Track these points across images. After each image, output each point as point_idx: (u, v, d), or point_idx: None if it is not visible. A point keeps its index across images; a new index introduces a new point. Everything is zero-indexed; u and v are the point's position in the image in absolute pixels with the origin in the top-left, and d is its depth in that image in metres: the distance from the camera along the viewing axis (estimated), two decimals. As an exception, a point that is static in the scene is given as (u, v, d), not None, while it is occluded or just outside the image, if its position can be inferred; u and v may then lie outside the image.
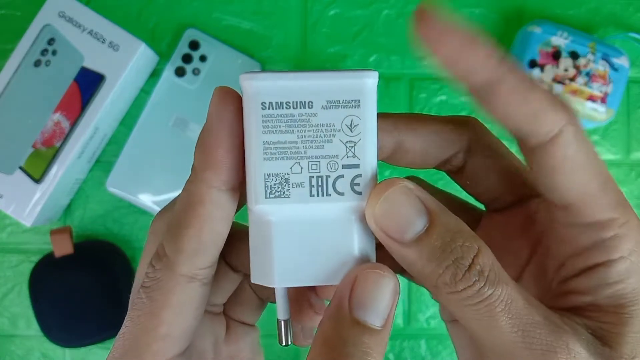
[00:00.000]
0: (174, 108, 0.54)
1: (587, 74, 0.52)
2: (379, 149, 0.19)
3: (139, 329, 0.19)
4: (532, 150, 0.17)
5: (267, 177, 0.17)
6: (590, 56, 0.52)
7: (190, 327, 0.19)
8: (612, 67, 0.53)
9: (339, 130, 0.17)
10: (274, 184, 0.17)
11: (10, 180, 0.50)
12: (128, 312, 0.19)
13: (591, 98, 0.52)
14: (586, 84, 0.52)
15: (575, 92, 0.52)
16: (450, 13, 0.16)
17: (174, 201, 0.20)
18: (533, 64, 0.52)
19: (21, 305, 0.55)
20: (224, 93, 0.18)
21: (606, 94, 0.52)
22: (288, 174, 0.17)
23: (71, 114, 0.50)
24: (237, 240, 0.21)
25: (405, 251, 0.17)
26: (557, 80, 0.52)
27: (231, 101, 0.18)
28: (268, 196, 0.17)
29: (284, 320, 0.19)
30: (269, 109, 0.17)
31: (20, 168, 0.50)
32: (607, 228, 0.17)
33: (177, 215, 0.19)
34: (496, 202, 0.22)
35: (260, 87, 0.17)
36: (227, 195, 0.18)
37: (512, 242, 0.21)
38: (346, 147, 0.17)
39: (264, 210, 0.18)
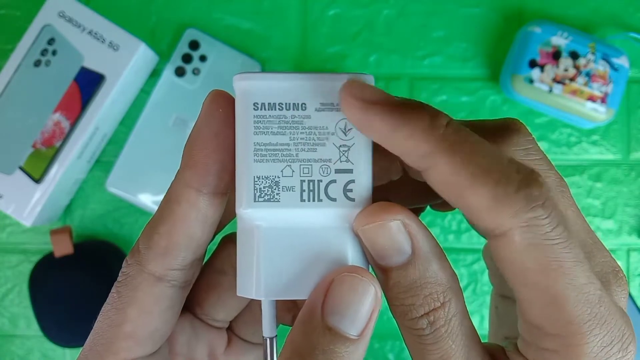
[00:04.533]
0: (173, 108, 0.54)
1: (587, 74, 0.52)
2: (384, 177, 0.19)
3: (105, 325, 0.18)
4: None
5: (256, 179, 0.16)
6: (590, 56, 0.52)
7: (157, 329, 0.18)
8: (612, 67, 0.53)
9: (333, 134, 0.17)
10: (264, 187, 0.16)
11: (10, 180, 0.50)
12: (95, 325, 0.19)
13: (591, 98, 0.52)
14: (586, 84, 0.52)
15: (575, 92, 0.52)
16: (378, 90, 0.16)
17: None
18: (533, 64, 0.52)
19: (21, 305, 0.55)
20: (215, 95, 0.17)
21: (606, 94, 0.52)
22: (278, 177, 0.16)
23: (71, 114, 0.50)
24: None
25: (378, 271, 0.17)
26: (557, 80, 0.52)
27: (222, 103, 0.17)
28: (257, 199, 0.16)
29: (270, 338, 0.18)
30: (261, 109, 0.17)
31: (20, 168, 0.50)
32: (547, 341, 0.16)
33: (155, 213, 0.18)
34: None
35: (252, 87, 0.16)
36: (208, 199, 0.17)
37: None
38: (340, 151, 0.17)
39: (252, 214, 0.17)
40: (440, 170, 0.15)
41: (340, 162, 0.17)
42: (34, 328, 0.55)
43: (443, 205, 0.23)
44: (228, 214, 0.19)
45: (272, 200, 0.16)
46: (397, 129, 0.15)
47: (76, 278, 0.52)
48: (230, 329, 0.22)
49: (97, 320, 0.19)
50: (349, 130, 0.17)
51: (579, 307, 0.15)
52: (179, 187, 0.18)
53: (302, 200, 0.17)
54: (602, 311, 0.16)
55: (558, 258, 0.15)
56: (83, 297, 0.52)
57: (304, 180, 0.17)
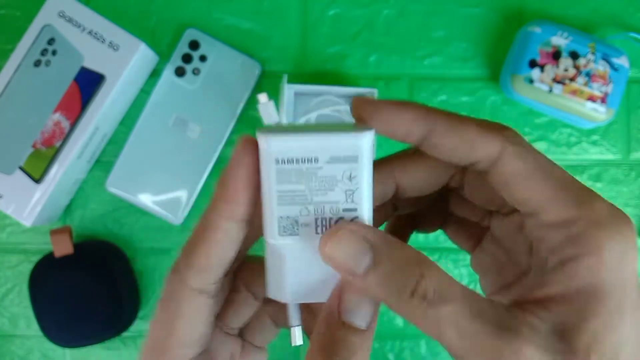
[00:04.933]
0: (174, 108, 0.54)
1: (587, 74, 0.52)
2: (382, 195, 0.23)
3: (156, 337, 0.22)
4: (486, 174, 0.21)
5: (280, 219, 0.21)
6: (590, 56, 0.52)
7: (201, 334, 0.22)
8: (612, 67, 0.53)
9: (340, 181, 0.20)
10: (286, 225, 0.21)
11: (10, 180, 0.50)
12: (150, 322, 0.23)
13: (591, 98, 0.52)
14: (586, 84, 0.52)
15: (575, 92, 0.52)
16: (377, 100, 0.21)
17: None
18: (533, 64, 0.52)
19: (21, 305, 0.55)
20: (246, 141, 0.21)
21: (606, 94, 0.52)
22: (297, 217, 0.21)
23: (71, 114, 0.50)
24: (260, 270, 0.24)
25: (359, 281, 0.20)
26: (557, 80, 0.52)
27: (251, 150, 0.21)
28: (281, 234, 0.21)
29: (296, 327, 0.23)
30: (281, 164, 0.20)
31: (20, 168, 0.50)
32: (573, 225, 0.19)
33: (192, 237, 0.22)
34: (502, 207, 0.24)
35: (274, 145, 0.20)
36: (237, 226, 0.21)
37: (516, 242, 0.24)
38: (346, 194, 0.20)
39: (278, 243, 0.21)
40: (440, 128, 0.20)
41: (347, 203, 0.21)
42: (34, 328, 0.55)
43: (429, 225, 0.27)
44: (253, 237, 0.23)
45: (293, 234, 0.21)
46: (402, 110, 0.21)
47: (76, 278, 0.52)
48: (240, 336, 0.26)
49: (150, 330, 0.23)
50: (353, 177, 0.20)
51: (574, 186, 0.20)
52: (214, 216, 0.21)
53: (316, 232, 0.21)
54: (592, 192, 0.20)
55: (543, 160, 0.20)
56: (83, 297, 0.52)
57: (318, 218, 0.21)
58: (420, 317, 0.19)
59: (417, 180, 0.23)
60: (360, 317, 0.20)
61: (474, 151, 0.20)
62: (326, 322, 0.20)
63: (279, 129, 0.21)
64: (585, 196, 0.19)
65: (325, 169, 0.20)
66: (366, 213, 0.21)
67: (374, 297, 0.20)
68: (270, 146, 0.20)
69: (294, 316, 0.22)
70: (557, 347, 0.18)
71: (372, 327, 0.20)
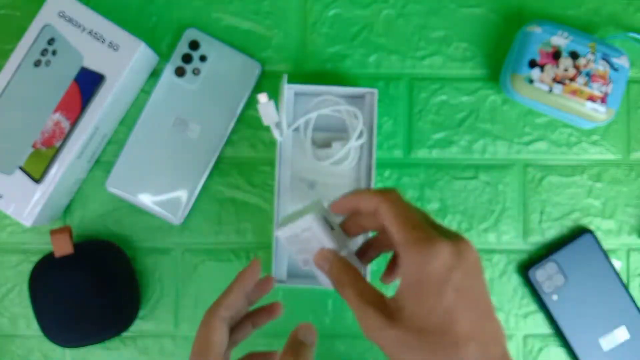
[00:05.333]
0: (174, 108, 0.54)
1: (587, 74, 0.52)
2: (350, 231, 0.40)
3: (200, 343, 0.38)
4: (377, 218, 0.36)
5: (301, 259, 0.40)
6: (590, 56, 0.52)
7: (224, 345, 0.38)
8: (612, 67, 0.53)
9: (313, 237, 0.38)
10: (303, 262, 0.40)
11: (10, 180, 0.50)
12: (195, 338, 0.38)
13: (591, 98, 0.52)
14: (586, 84, 0.52)
15: (575, 92, 0.52)
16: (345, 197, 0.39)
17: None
18: (533, 64, 0.52)
19: (21, 305, 0.55)
20: (255, 261, 0.41)
21: (606, 94, 0.52)
22: (306, 256, 0.39)
23: (71, 114, 0.50)
24: (241, 328, 0.42)
25: (326, 272, 0.37)
26: (557, 80, 0.52)
27: (256, 265, 0.41)
28: (302, 267, 0.40)
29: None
30: (287, 239, 0.40)
31: (20, 168, 0.50)
32: (401, 245, 0.33)
33: (225, 292, 0.40)
34: None
35: (281, 234, 0.40)
36: (245, 293, 0.40)
37: None
38: (318, 241, 0.38)
39: (305, 269, 0.41)
40: (357, 196, 0.38)
41: (319, 245, 0.38)
42: (34, 328, 0.55)
43: (387, 276, 0.41)
44: (248, 305, 0.42)
45: (307, 266, 0.40)
46: (351, 195, 0.39)
47: (76, 278, 0.52)
48: None
49: (195, 341, 0.38)
50: (316, 235, 0.38)
51: (411, 222, 0.34)
52: (236, 285, 0.40)
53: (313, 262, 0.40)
54: (420, 225, 0.34)
55: (403, 209, 0.35)
56: (83, 297, 0.52)
57: (309, 257, 0.39)
58: (343, 296, 0.35)
59: (363, 223, 0.39)
60: (308, 339, 0.37)
61: (366, 205, 0.36)
62: (292, 339, 0.36)
63: (284, 222, 0.40)
64: (414, 228, 0.33)
65: (302, 236, 0.39)
66: (327, 245, 0.38)
67: (334, 282, 0.37)
68: (279, 235, 0.40)
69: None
70: (395, 315, 0.32)
71: (314, 344, 0.37)
